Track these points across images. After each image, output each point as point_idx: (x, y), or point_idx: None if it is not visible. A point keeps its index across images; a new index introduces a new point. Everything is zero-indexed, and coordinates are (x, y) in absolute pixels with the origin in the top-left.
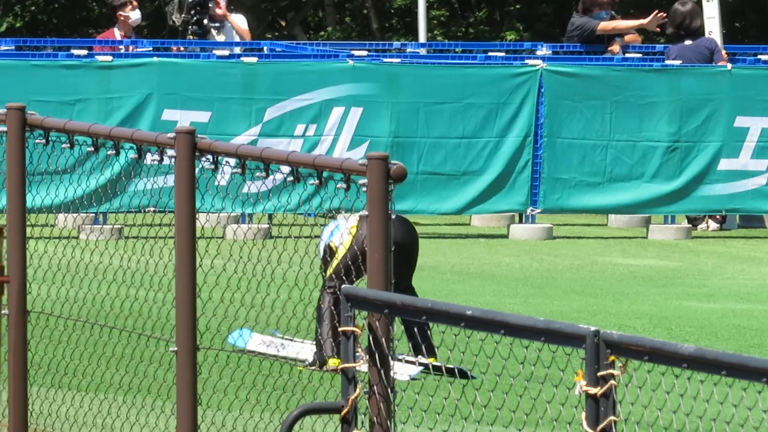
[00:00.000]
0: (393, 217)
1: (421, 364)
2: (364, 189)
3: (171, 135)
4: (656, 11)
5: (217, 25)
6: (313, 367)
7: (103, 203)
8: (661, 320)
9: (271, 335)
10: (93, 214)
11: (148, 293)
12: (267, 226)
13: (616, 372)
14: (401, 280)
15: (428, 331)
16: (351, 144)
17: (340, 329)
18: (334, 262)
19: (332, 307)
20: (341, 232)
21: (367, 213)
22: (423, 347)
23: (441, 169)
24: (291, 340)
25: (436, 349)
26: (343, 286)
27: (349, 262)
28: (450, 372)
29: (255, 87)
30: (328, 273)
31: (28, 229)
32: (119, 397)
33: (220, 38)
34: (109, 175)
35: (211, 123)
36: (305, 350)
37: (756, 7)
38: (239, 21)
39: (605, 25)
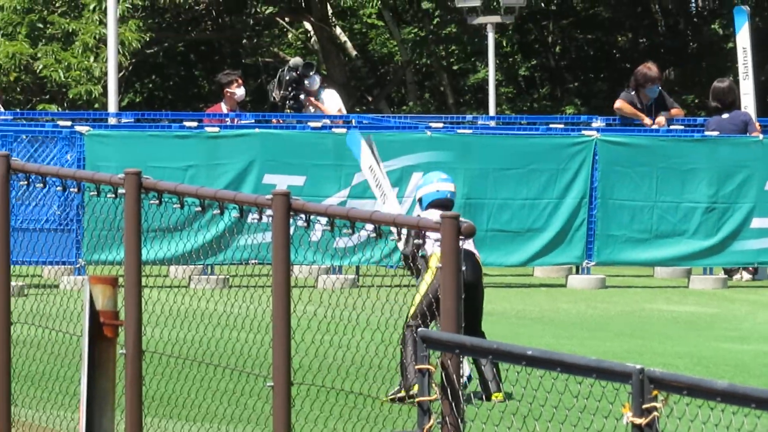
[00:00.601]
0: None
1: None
2: (439, 244)
3: (269, 197)
4: (655, 120)
5: (312, 99)
6: (394, 395)
7: (210, 256)
8: (700, 360)
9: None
10: (202, 266)
11: (248, 335)
12: (354, 276)
13: (658, 405)
14: (473, 318)
15: (495, 368)
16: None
17: (416, 367)
18: (412, 308)
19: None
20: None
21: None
22: (491, 381)
23: (507, 227)
24: (384, 177)
25: (501, 384)
26: (419, 329)
27: (425, 308)
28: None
29: (345, 154)
30: (410, 313)
31: (144, 279)
32: (222, 427)
33: (320, 107)
34: (216, 231)
35: (306, 186)
36: (389, 201)
37: None
38: (329, 98)
39: (620, 107)
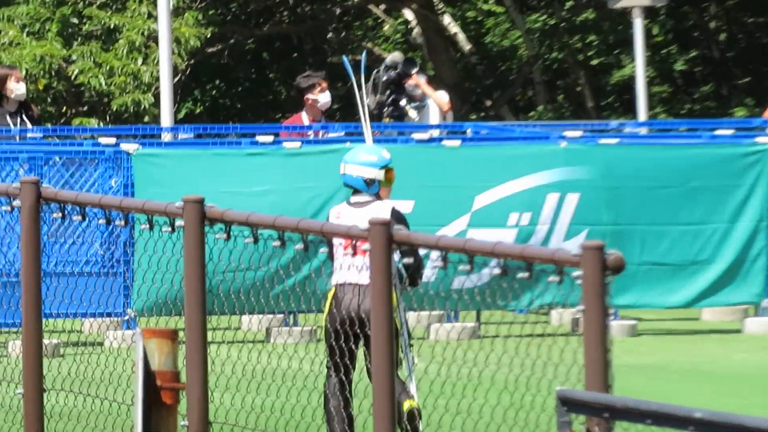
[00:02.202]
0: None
1: None
2: (579, 282)
3: (365, 227)
4: None
5: (415, 104)
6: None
7: (293, 303)
8: None
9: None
10: (283, 315)
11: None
12: (474, 324)
13: None
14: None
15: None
16: (567, 233)
17: None
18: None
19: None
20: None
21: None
22: None
23: (666, 259)
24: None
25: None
26: (558, 389)
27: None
28: None
29: (460, 172)
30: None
31: (210, 333)
32: None
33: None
34: (300, 271)
35: (414, 212)
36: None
37: None
38: (441, 95)
39: None
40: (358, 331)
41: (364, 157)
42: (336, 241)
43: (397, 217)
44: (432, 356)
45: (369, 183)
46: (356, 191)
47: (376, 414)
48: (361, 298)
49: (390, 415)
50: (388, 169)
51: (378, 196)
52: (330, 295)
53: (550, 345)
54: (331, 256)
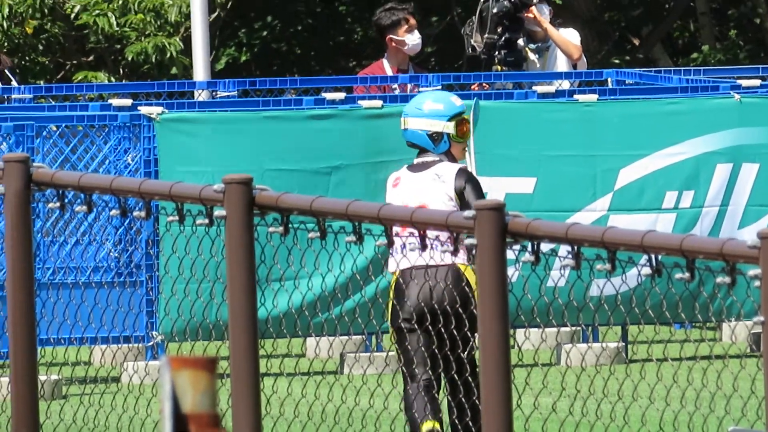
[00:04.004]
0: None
1: None
2: (757, 284)
3: (469, 214)
4: None
5: (537, 46)
6: None
7: (374, 320)
8: None
9: None
10: (361, 338)
11: None
12: (617, 344)
13: None
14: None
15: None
16: (744, 217)
17: None
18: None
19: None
20: None
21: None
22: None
23: None
24: None
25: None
26: (731, 429)
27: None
28: None
29: (598, 138)
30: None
31: (264, 362)
32: None
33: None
34: (385, 277)
35: (536, 193)
36: None
37: None
38: (569, 36)
39: None
40: (430, 327)
41: (429, 106)
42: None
43: (468, 178)
44: (562, 388)
45: (435, 139)
46: (422, 150)
47: None
48: (433, 285)
49: None
50: (460, 120)
51: (450, 156)
52: (392, 285)
53: (719, 371)
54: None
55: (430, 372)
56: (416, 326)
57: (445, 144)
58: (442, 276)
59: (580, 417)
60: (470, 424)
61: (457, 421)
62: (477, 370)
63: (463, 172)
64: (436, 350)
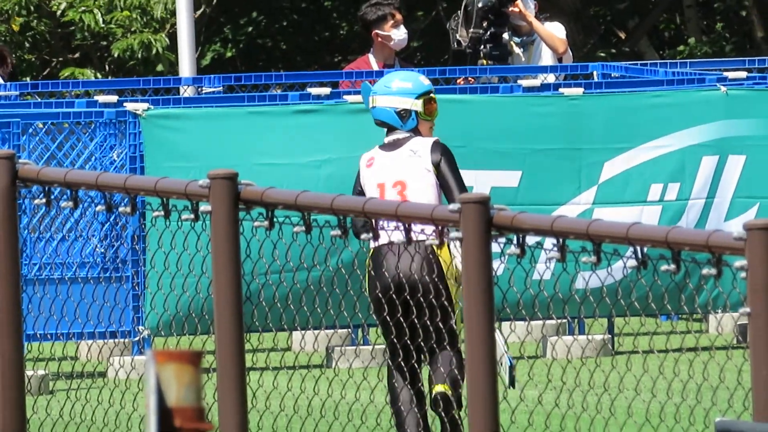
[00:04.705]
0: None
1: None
2: (743, 275)
3: (454, 207)
4: None
5: (522, 40)
6: None
7: (360, 313)
8: None
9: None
10: (347, 331)
11: None
12: (603, 336)
13: None
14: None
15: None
16: (730, 210)
17: None
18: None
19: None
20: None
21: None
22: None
23: None
24: None
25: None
26: (717, 420)
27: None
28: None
29: (583, 131)
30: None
31: (250, 356)
32: None
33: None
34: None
35: (521, 187)
36: None
37: None
38: (555, 30)
39: None
40: (409, 299)
41: (397, 85)
42: (369, 187)
43: (442, 151)
44: (548, 380)
45: (403, 116)
46: (390, 129)
47: (471, 412)
48: (407, 261)
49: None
50: (428, 99)
51: (417, 134)
52: (368, 261)
53: (705, 362)
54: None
55: (409, 343)
56: (394, 297)
57: (412, 121)
58: (419, 249)
59: (566, 409)
60: (451, 394)
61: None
62: (456, 340)
63: (438, 145)
64: (415, 320)
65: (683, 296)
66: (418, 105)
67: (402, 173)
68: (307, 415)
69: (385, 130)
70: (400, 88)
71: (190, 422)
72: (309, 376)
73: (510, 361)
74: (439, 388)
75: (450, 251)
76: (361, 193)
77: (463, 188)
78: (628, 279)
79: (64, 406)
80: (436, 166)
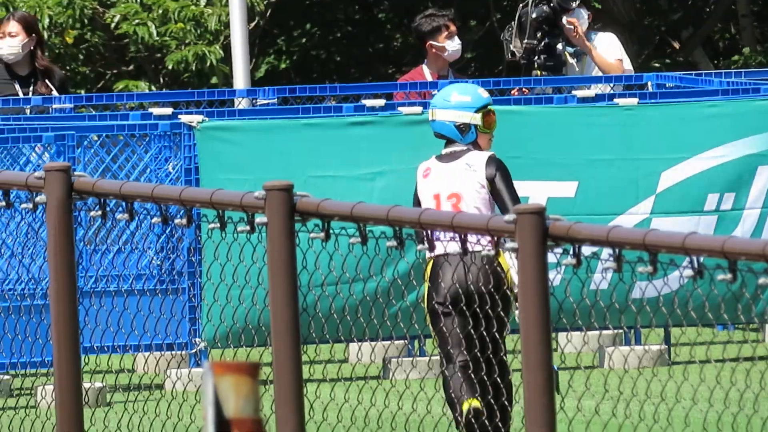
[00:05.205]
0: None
1: None
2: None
3: (510, 218)
4: None
5: (575, 49)
6: None
7: (416, 324)
8: None
9: None
10: (404, 343)
11: None
12: (660, 347)
13: None
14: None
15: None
16: None
17: None
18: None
19: None
20: None
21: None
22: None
23: None
24: None
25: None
26: None
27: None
28: None
29: (639, 141)
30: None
31: (307, 368)
32: None
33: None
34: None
35: (578, 198)
36: None
37: None
38: (608, 43)
39: None
40: (465, 309)
41: (456, 98)
42: (425, 197)
43: (497, 166)
44: (605, 390)
45: (463, 130)
46: (449, 141)
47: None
48: (465, 271)
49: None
50: (486, 112)
51: (476, 146)
52: (427, 272)
53: (762, 372)
54: None
55: (465, 353)
56: (450, 308)
57: (472, 134)
58: (475, 260)
59: (623, 419)
60: (506, 403)
61: (492, 400)
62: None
63: (493, 160)
64: (471, 331)
65: (740, 305)
66: (477, 119)
67: (457, 186)
68: (364, 426)
69: (444, 141)
70: (459, 102)
71: None
72: (366, 388)
73: (555, 368)
74: (474, 402)
75: (507, 261)
76: (418, 202)
77: (517, 202)
78: (685, 289)
79: (121, 419)
80: (491, 181)
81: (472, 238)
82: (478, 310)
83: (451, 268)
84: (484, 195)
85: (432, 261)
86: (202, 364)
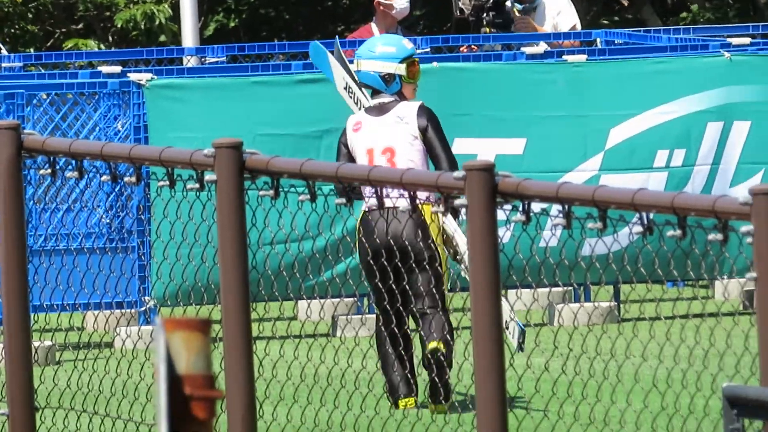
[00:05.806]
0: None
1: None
2: (749, 240)
3: (459, 174)
4: None
5: (524, 6)
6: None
7: (366, 282)
8: None
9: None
10: (353, 300)
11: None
12: (609, 303)
13: None
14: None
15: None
16: (736, 175)
17: None
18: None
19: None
20: None
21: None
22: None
23: None
24: (360, 91)
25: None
26: (724, 385)
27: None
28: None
29: (588, 98)
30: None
31: (256, 325)
32: None
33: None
34: None
35: (526, 155)
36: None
37: None
38: (555, 5)
39: None
40: (399, 263)
41: (380, 49)
42: (358, 152)
43: (428, 116)
44: (554, 347)
45: (387, 80)
46: (375, 92)
47: (478, 383)
48: (395, 225)
49: (497, 393)
50: (411, 62)
51: (401, 97)
52: (357, 225)
53: (712, 328)
54: None
55: (401, 308)
56: (385, 263)
57: (396, 85)
58: (397, 214)
59: (573, 376)
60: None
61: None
62: (447, 305)
63: (423, 110)
64: (406, 286)
65: (689, 262)
66: (401, 69)
67: (390, 140)
68: (314, 383)
69: (370, 92)
70: (383, 53)
71: (200, 389)
72: (315, 345)
73: (521, 327)
74: (433, 344)
75: (439, 218)
76: (349, 154)
77: (449, 153)
78: (634, 245)
79: (71, 377)
80: (423, 132)
81: (393, 192)
82: (412, 263)
83: (383, 222)
84: (418, 146)
85: (363, 214)
86: (152, 322)
